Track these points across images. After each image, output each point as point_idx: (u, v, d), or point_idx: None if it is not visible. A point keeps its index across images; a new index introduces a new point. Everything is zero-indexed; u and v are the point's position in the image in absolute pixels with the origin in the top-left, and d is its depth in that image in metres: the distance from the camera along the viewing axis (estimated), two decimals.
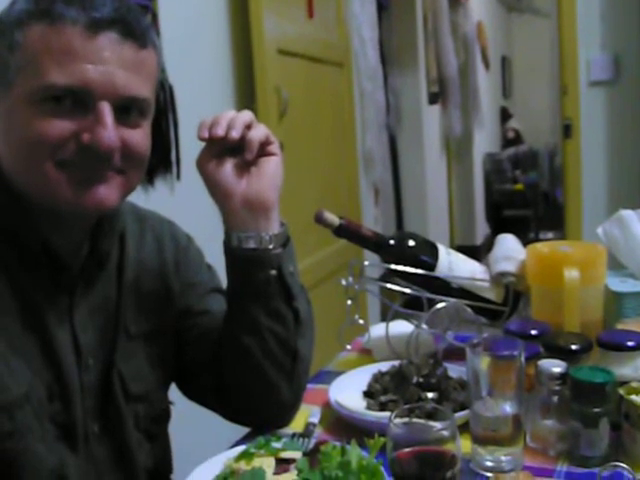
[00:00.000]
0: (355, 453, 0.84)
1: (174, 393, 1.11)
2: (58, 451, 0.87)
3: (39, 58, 0.79)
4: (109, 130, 0.82)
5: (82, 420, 0.90)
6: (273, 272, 0.98)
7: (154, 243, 1.06)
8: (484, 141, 7.10)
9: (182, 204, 2.11)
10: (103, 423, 0.94)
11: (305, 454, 0.91)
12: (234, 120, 0.95)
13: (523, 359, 0.89)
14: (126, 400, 0.96)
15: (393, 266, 1.23)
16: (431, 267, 1.24)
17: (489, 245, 1.39)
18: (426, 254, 1.26)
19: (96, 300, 0.95)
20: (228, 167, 0.98)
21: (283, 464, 0.89)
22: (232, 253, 0.99)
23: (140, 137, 0.88)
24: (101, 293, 0.96)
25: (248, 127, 0.96)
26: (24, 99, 0.81)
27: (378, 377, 1.15)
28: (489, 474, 0.89)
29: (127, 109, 0.85)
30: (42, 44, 0.80)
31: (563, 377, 0.93)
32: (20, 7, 0.82)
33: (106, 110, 0.82)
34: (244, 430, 1.09)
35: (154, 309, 1.02)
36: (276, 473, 0.87)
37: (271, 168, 1.01)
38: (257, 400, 1.03)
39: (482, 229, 6.86)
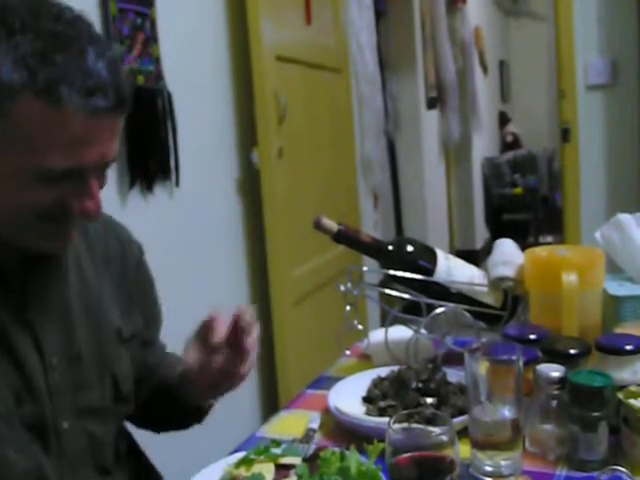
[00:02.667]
0: (354, 458, 0.84)
1: None
2: (33, 454, 0.87)
3: (38, 138, 0.78)
4: (97, 201, 0.86)
5: (52, 418, 0.90)
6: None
7: (118, 252, 1.08)
8: (483, 145, 7.11)
9: (181, 210, 2.12)
10: (73, 420, 0.94)
11: (304, 460, 0.91)
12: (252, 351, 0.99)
13: (522, 364, 0.89)
14: (116, 399, 0.99)
15: (392, 272, 1.23)
16: (430, 272, 1.24)
17: (488, 249, 1.40)
18: (425, 259, 1.26)
19: (52, 298, 0.95)
20: (215, 366, 1.00)
21: (283, 470, 0.89)
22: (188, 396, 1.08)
23: (105, 179, 0.91)
24: (57, 291, 0.96)
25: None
26: (14, 171, 0.80)
27: (377, 382, 1.15)
28: (488, 479, 0.89)
29: (104, 168, 0.89)
30: (42, 125, 0.78)
31: (562, 381, 0.93)
32: (9, 74, 0.76)
33: (95, 183, 0.86)
34: (244, 436, 1.10)
35: (127, 315, 1.05)
36: (276, 479, 0.87)
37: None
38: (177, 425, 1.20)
39: (481, 233, 6.86)
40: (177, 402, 1.09)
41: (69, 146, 0.80)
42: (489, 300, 1.29)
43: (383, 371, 1.19)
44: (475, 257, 5.60)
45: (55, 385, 0.91)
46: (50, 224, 0.86)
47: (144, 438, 1.16)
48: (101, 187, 0.90)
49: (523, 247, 1.34)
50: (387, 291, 1.25)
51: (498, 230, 6.62)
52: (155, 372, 1.13)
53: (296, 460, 0.91)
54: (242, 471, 0.89)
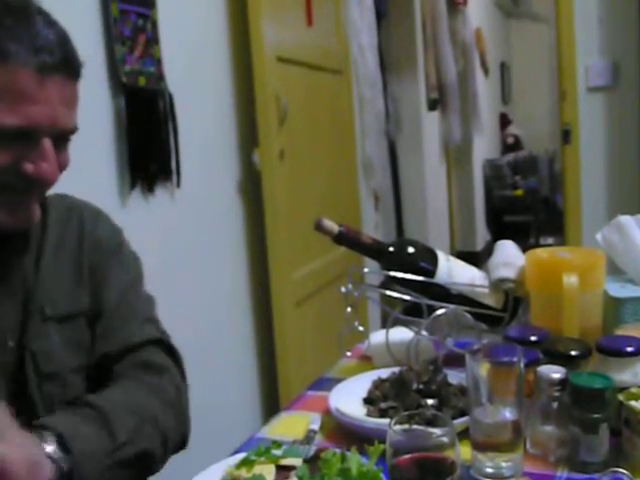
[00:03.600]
0: (355, 460, 0.84)
1: None
2: None
3: None
4: (52, 164, 0.87)
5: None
6: None
7: (77, 231, 1.06)
8: (484, 147, 7.11)
9: (182, 211, 2.12)
10: (16, 404, 0.90)
11: (305, 461, 0.91)
12: None
13: (522, 365, 0.89)
14: (38, 379, 0.97)
15: (393, 273, 1.23)
16: (431, 274, 1.24)
17: (489, 251, 1.40)
18: (425, 261, 1.26)
19: (13, 281, 0.96)
20: None
21: (283, 471, 0.89)
22: None
23: (67, 158, 0.93)
24: (18, 275, 0.97)
25: None
26: None
27: (378, 384, 1.15)
28: None
29: (61, 138, 0.90)
30: None
31: (562, 383, 0.93)
32: None
33: (49, 145, 0.87)
34: (245, 437, 1.10)
35: (69, 294, 1.03)
36: None
37: None
38: None
39: (482, 235, 6.86)
40: None
41: (18, 101, 0.82)
42: (490, 302, 1.29)
43: (384, 372, 1.19)
44: (476, 259, 5.60)
45: (4, 367, 0.93)
46: (7, 193, 0.87)
47: None
48: (62, 168, 0.91)
49: (524, 249, 1.34)
50: (388, 292, 1.25)
51: (499, 232, 6.63)
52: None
53: (297, 461, 0.91)
54: (243, 472, 0.89)
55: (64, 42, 0.87)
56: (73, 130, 0.91)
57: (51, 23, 0.87)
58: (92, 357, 1.03)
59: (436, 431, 0.79)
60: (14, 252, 0.97)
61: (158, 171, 1.98)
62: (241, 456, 0.93)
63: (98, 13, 1.78)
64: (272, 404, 2.52)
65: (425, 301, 1.23)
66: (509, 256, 1.32)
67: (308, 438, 1.04)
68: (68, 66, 0.87)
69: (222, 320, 2.35)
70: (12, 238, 0.96)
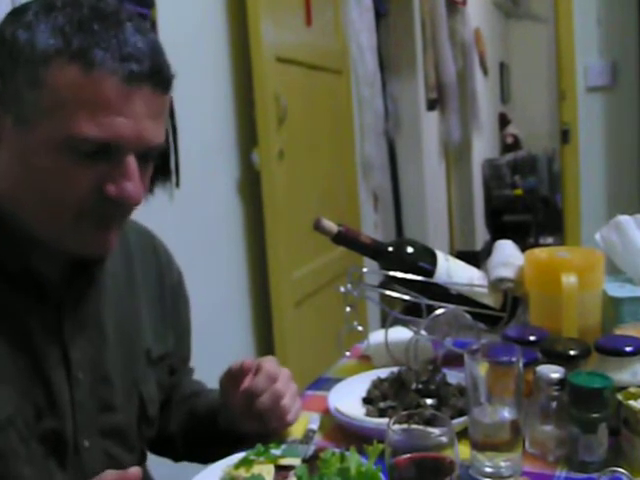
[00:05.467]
0: (354, 460, 0.84)
1: None
2: (47, 471, 0.85)
3: (71, 105, 0.75)
4: (137, 184, 0.80)
5: (72, 435, 0.88)
6: None
7: (156, 264, 1.08)
8: (483, 147, 7.11)
9: (181, 212, 2.12)
10: (95, 440, 0.92)
11: (304, 461, 0.91)
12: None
13: (521, 365, 0.89)
14: (140, 421, 0.99)
15: (392, 273, 1.23)
16: (430, 274, 1.24)
17: (489, 250, 1.40)
18: (425, 261, 1.26)
19: (87, 313, 0.92)
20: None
21: (282, 471, 0.89)
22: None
23: (149, 176, 0.86)
24: (93, 306, 0.93)
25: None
26: (47, 144, 0.77)
27: (377, 383, 1.15)
28: None
29: (146, 155, 0.83)
30: (75, 91, 0.75)
31: (561, 383, 0.93)
32: (45, 41, 0.75)
33: (134, 164, 0.80)
34: None
35: (159, 333, 1.04)
36: None
37: None
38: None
39: (482, 235, 6.86)
40: (215, 431, 1.09)
41: (101, 112, 0.76)
42: (489, 301, 1.29)
43: (383, 372, 1.19)
44: (475, 258, 5.60)
45: (79, 401, 0.89)
46: (87, 219, 0.81)
47: None
48: (145, 186, 0.84)
49: (523, 248, 1.34)
50: (387, 292, 1.25)
51: (498, 231, 6.62)
52: (177, 397, 1.14)
53: (296, 461, 0.91)
54: (242, 472, 0.89)
55: (154, 52, 0.81)
56: (158, 147, 0.83)
57: (142, 31, 0.80)
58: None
59: (435, 431, 0.79)
60: (82, 283, 0.92)
61: (157, 171, 1.98)
62: (240, 456, 0.93)
63: None
64: None
65: (424, 301, 1.23)
66: (508, 256, 1.32)
67: (307, 438, 1.04)
68: (157, 77, 0.80)
69: (221, 320, 2.35)
70: (101, 275, 0.93)
